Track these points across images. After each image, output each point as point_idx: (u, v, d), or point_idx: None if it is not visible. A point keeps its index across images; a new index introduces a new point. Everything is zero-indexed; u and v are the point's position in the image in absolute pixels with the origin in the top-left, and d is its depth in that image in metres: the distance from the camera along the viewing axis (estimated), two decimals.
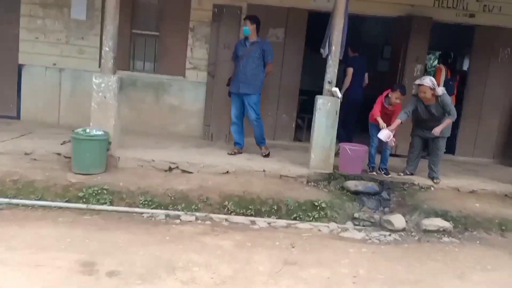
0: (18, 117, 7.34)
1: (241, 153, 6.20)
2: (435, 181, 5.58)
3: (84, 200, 4.73)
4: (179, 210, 4.77)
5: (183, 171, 5.43)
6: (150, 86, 7.26)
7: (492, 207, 5.23)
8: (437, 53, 10.74)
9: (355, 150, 5.56)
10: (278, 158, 6.11)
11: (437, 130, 5.29)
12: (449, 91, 6.11)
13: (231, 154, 6.09)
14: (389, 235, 4.65)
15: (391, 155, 5.95)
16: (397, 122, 5.39)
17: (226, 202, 4.88)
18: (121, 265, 3.43)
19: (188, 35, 7.12)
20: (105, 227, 4.23)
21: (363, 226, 4.86)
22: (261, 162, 5.84)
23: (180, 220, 4.60)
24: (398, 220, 4.77)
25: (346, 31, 5.61)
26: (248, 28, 5.91)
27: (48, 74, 7.27)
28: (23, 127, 6.70)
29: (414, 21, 6.91)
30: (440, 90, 5.29)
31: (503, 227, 4.96)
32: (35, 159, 5.35)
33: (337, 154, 5.64)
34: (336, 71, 5.56)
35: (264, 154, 6.13)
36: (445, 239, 4.67)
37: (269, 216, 4.86)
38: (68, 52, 7.22)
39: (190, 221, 4.58)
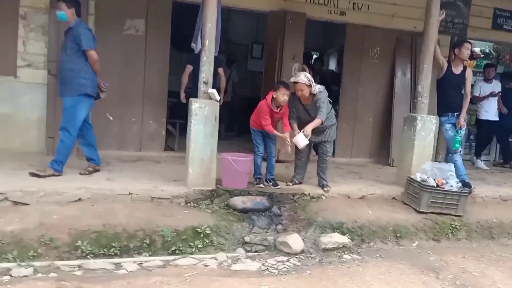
0: None
1: (98, 170, 4.95)
2: (325, 189, 5.08)
3: None
4: (8, 261, 3.40)
5: (15, 203, 3.99)
6: None
7: (383, 212, 4.90)
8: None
9: (240, 161, 4.76)
10: (148, 175, 5.02)
11: (307, 130, 4.67)
12: None
13: (85, 174, 4.79)
14: (288, 260, 3.94)
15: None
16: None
17: (80, 242, 3.64)
18: None
19: (18, 24, 5.56)
20: None
21: (256, 251, 4.07)
22: (126, 182, 4.68)
23: (11, 276, 3.25)
24: (295, 242, 4.09)
25: (220, 24, 4.81)
26: (65, 14, 4.55)
27: None
28: None
29: (288, 17, 6.42)
30: (317, 88, 4.79)
31: (398, 234, 4.64)
32: None
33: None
34: (212, 69, 4.70)
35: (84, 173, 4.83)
36: (346, 256, 4.14)
37: (140, 254, 3.77)
38: None
39: (26, 276, 3.26)
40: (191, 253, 3.88)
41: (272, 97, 4.81)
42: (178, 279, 3.37)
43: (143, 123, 6.27)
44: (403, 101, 7.26)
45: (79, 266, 3.49)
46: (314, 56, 10.45)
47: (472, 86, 6.80)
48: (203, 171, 4.64)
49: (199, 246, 3.94)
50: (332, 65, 11.00)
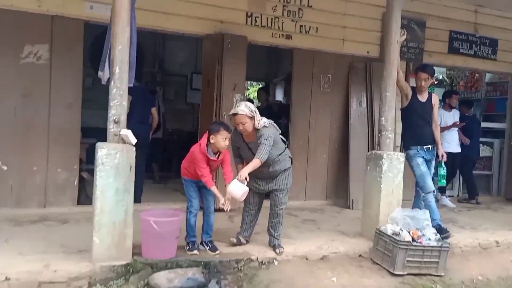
0: None
1: None
2: (277, 251, 4.02)
3: None
4: None
5: None
6: None
7: (351, 279, 3.91)
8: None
9: (164, 223, 3.62)
10: (44, 244, 3.77)
11: (241, 174, 3.64)
12: None
13: None
14: None
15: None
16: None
17: None
18: None
19: None
20: None
21: None
22: (6, 259, 3.40)
23: None
24: None
25: (135, 49, 3.75)
26: None
27: None
28: None
29: (226, 40, 5.48)
30: (262, 122, 3.83)
31: None
32: None
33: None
34: (126, 103, 3.60)
35: None
36: None
37: None
38: None
39: None
40: None
41: (208, 141, 3.75)
42: None
43: (48, 171, 5.00)
44: (359, 134, 6.46)
45: None
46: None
47: None
48: (115, 240, 3.46)
49: None
50: (279, 96, 10.18)
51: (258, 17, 5.95)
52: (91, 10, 5.06)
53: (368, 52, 6.60)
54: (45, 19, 4.93)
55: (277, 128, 3.97)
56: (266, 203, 4.21)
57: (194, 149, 3.77)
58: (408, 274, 3.99)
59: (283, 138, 4.09)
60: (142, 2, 4.47)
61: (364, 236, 4.65)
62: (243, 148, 3.92)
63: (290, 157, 4.11)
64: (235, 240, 4.11)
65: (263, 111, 7.31)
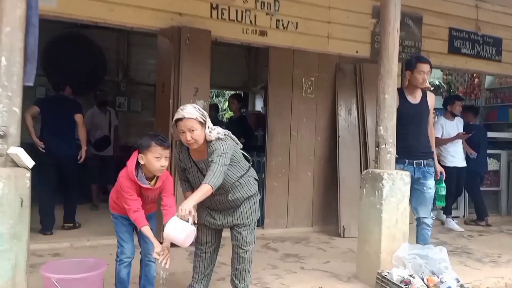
0: None
1: None
2: None
3: None
4: None
5: None
6: None
7: None
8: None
9: (75, 282, 2.50)
10: None
11: (184, 208, 2.46)
12: None
13: None
14: None
15: None
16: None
17: None
18: None
19: None
20: None
21: None
22: None
23: None
24: None
25: (37, 36, 2.66)
26: None
27: None
28: None
29: (184, 35, 4.44)
30: (215, 132, 2.73)
31: None
32: None
33: None
34: (18, 108, 2.51)
35: None
36: None
37: None
38: None
39: None
40: None
41: (138, 162, 2.66)
42: None
43: None
44: (350, 147, 5.43)
45: None
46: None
47: None
48: None
49: None
50: (259, 106, 9.17)
51: (225, 9, 4.93)
52: None
53: (357, 52, 5.62)
54: None
55: (237, 141, 2.91)
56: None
57: (121, 174, 2.67)
58: None
59: (246, 155, 3.04)
60: None
61: (360, 279, 3.59)
62: (191, 169, 2.84)
63: (256, 179, 3.04)
64: None
65: (234, 123, 6.42)
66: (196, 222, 2.57)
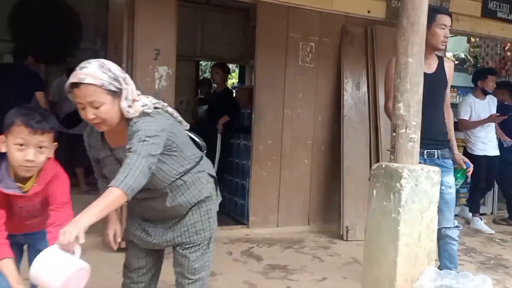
0: None
1: None
2: None
3: None
4: None
5: None
6: None
7: None
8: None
9: None
10: None
11: (66, 231, 1.42)
12: None
13: None
14: None
15: None
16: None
17: None
18: None
19: None
20: None
21: None
22: None
23: None
24: None
25: None
26: None
27: None
28: None
29: None
30: (140, 104, 1.73)
31: None
32: None
33: None
34: None
35: None
36: None
37: None
38: None
39: None
40: None
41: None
42: None
43: None
44: (357, 130, 4.41)
45: None
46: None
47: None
48: None
49: None
50: None
51: None
52: None
53: (369, 12, 4.53)
54: None
55: (179, 118, 1.91)
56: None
57: None
58: None
59: (197, 139, 2.05)
60: None
61: None
62: (107, 160, 1.84)
63: (211, 175, 2.04)
64: None
65: (216, 97, 5.11)
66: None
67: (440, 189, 2.58)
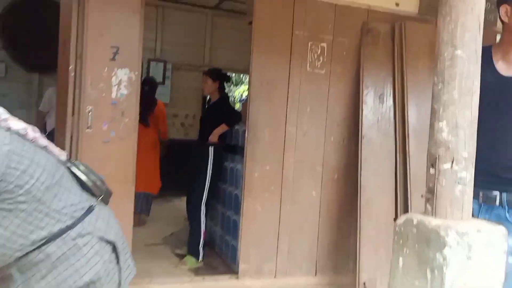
0: None
1: None
2: None
3: None
4: None
5: None
6: None
7: None
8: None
9: None
10: None
11: None
12: None
13: None
14: None
15: None
16: None
17: None
18: None
19: None
20: None
21: None
22: None
23: None
24: None
25: None
26: None
27: None
28: None
29: None
30: None
31: None
32: None
33: None
34: None
35: None
36: None
37: None
38: None
39: None
40: None
41: None
42: None
43: None
44: (380, 154, 3.44)
45: None
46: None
47: None
48: None
49: None
50: None
51: None
52: None
53: (397, 5, 3.61)
54: None
55: (41, 142, 1.05)
56: None
57: None
58: None
59: (87, 178, 1.20)
60: None
61: None
62: None
63: (107, 241, 1.15)
64: None
65: (211, 109, 4.04)
66: None
67: (507, 262, 1.61)
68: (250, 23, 3.48)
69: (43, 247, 1.04)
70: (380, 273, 3.16)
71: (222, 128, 3.80)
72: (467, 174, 1.57)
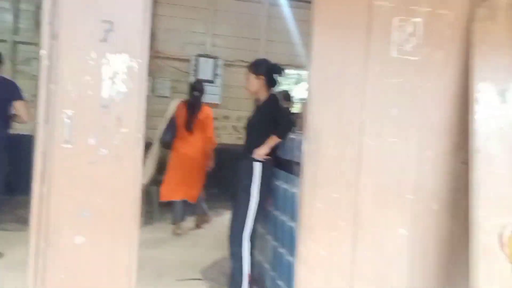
0: None
1: None
2: None
3: None
4: None
5: None
6: None
7: None
8: None
9: None
10: None
11: None
12: None
13: None
14: None
15: None
16: None
17: None
18: None
19: None
20: None
21: None
22: None
23: None
24: None
25: None
26: None
27: None
28: None
29: None
30: None
31: None
32: None
33: None
34: None
35: None
36: None
37: None
38: None
39: None
40: None
41: None
42: None
43: None
44: (504, 174, 2.34)
45: None
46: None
47: None
48: None
49: None
50: None
51: None
52: None
53: None
54: None
55: None
56: None
57: None
58: None
59: None
60: None
61: None
62: None
63: None
64: None
65: (258, 112, 3.06)
66: None
67: None
68: None
69: None
70: None
71: (272, 141, 2.91)
72: None
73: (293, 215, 2.68)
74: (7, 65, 5.26)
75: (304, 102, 5.16)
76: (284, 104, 4.63)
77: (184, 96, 6.53)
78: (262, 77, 3.04)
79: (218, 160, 4.97)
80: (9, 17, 5.93)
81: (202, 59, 6.53)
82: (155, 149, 4.95)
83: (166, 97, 6.50)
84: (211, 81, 6.52)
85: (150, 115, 6.40)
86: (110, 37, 1.78)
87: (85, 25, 1.77)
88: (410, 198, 2.45)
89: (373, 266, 2.41)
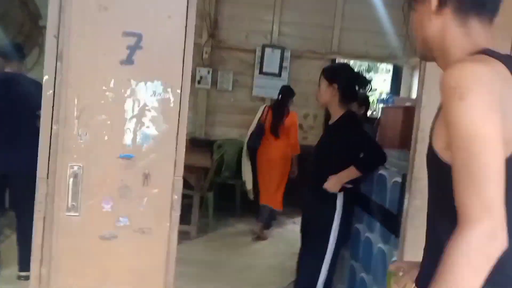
0: None
1: None
2: None
3: None
4: None
5: None
6: None
7: None
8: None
9: None
10: None
11: None
12: None
13: None
14: None
15: None
16: None
17: None
18: None
19: None
20: None
21: None
22: None
23: None
24: None
25: None
26: None
27: None
28: None
29: None
30: None
31: None
32: None
33: None
34: None
35: None
36: None
37: None
38: None
39: None
40: None
41: None
42: None
43: None
44: None
45: None
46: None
47: None
48: None
49: None
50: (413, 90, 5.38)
51: None
52: None
53: None
54: None
55: None
56: None
57: None
58: None
59: None
60: None
61: None
62: None
63: None
64: None
65: (330, 132, 2.38)
66: None
67: None
68: None
69: None
70: None
71: (349, 174, 2.23)
72: None
73: (376, 275, 2.03)
74: None
75: (385, 104, 4.40)
76: (359, 110, 3.92)
77: (246, 90, 6.02)
78: (337, 86, 2.33)
79: None
80: None
81: (268, 49, 5.92)
82: (245, 153, 5.01)
83: (228, 91, 6.01)
84: (277, 75, 5.92)
85: (211, 111, 5.94)
86: (136, 57, 1.19)
87: (100, 39, 1.19)
88: None
89: None
